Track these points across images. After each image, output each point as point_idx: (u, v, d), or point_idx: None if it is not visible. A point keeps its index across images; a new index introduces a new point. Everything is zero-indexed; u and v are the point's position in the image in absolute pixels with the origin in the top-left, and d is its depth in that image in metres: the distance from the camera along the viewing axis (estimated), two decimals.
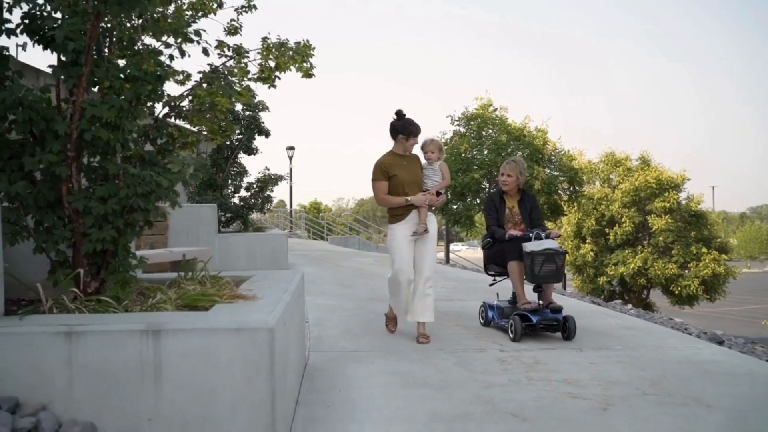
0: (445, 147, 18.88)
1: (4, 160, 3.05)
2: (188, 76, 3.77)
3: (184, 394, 2.36)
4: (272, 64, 3.96)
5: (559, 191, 18.47)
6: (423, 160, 5.16)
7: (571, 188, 18.91)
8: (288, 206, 28.49)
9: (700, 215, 22.40)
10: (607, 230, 22.76)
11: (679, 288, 21.41)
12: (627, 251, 22.13)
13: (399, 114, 5.00)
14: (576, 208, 20.96)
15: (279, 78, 4.13)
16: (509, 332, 4.96)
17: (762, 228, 63.40)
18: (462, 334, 5.27)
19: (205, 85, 3.59)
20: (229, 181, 11.09)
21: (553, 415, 3.26)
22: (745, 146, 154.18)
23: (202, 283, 3.40)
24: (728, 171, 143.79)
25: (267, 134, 11.13)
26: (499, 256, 5.33)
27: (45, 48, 2.97)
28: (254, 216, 12.44)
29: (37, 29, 2.91)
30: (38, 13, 2.93)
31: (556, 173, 18.32)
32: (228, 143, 10.52)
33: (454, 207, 18.81)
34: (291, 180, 24.42)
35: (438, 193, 5.07)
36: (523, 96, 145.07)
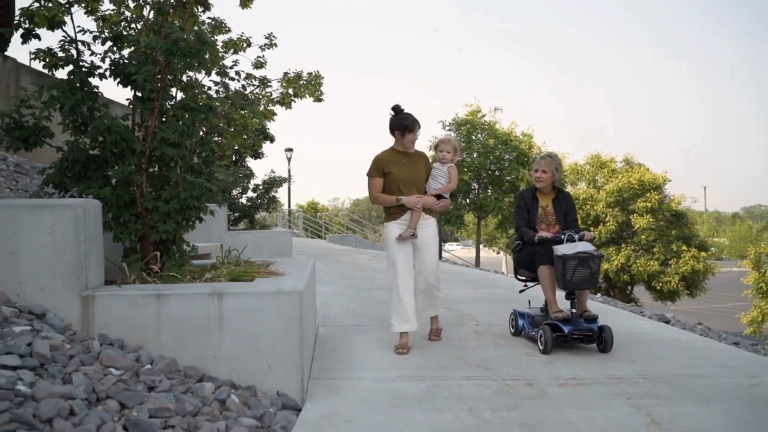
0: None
1: (91, 170, 4.03)
2: (225, 102, 4.74)
3: (239, 338, 3.33)
4: (291, 91, 4.93)
5: None
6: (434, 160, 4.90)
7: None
8: (286, 206, 29.39)
9: (681, 215, 23.47)
10: (592, 229, 23.79)
11: (661, 284, 22.47)
12: (611, 249, 23.17)
13: (396, 109, 4.70)
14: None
15: (294, 102, 5.11)
16: (539, 343, 4.57)
17: (752, 228, 64.56)
18: (445, 314, 6.23)
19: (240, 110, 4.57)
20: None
21: (510, 365, 4.24)
22: (742, 147, 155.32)
23: (237, 265, 4.36)
24: (725, 171, 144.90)
25: (272, 139, 12.06)
26: (528, 260, 4.95)
27: (125, 86, 3.92)
28: (259, 215, 13.39)
29: (120, 73, 3.86)
30: (122, 61, 3.89)
31: None
32: (236, 148, 11.46)
33: None
34: (289, 180, 25.37)
35: (441, 197, 4.78)
36: (523, 95, 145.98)
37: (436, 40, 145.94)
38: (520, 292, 5.38)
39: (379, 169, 4.65)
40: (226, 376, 3.30)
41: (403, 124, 4.63)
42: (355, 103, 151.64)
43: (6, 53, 12.97)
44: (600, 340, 4.59)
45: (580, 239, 4.66)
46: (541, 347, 4.55)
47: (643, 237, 22.67)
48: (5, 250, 3.25)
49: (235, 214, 11.85)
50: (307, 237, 25.49)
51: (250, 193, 12.26)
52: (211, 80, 4.37)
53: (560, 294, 4.75)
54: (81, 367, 2.75)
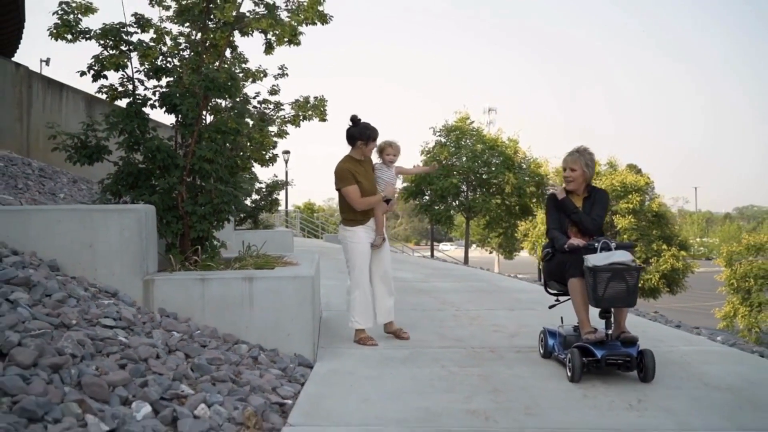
0: (428, 155, 21.03)
1: (141, 181, 5.01)
2: (246, 125, 5.72)
3: (265, 313, 4.31)
4: (301, 114, 5.93)
5: (528, 194, 20.72)
6: (376, 161, 5.15)
7: (539, 191, 21.10)
8: (284, 207, 30.32)
9: (661, 215, 24.59)
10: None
11: (642, 281, 23.58)
12: None
13: (354, 120, 4.95)
14: (543, 208, 23.19)
15: (303, 121, 6.10)
16: (567, 369, 3.97)
17: (742, 228, 65.72)
18: (430, 302, 7.27)
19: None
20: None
21: (479, 339, 5.24)
22: (739, 148, 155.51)
23: (258, 257, 5.34)
24: (722, 172, 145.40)
25: (273, 146, 13.00)
26: (558, 271, 4.39)
27: (170, 114, 4.90)
28: (262, 216, 14.32)
29: (168, 103, 4.84)
30: (168, 93, 4.86)
31: (526, 178, 20.48)
32: (241, 154, 12.41)
33: (436, 208, 20.89)
34: (286, 182, 26.33)
35: (388, 201, 5.04)
36: (523, 96, 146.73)
37: (435, 41, 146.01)
38: (550, 307, 4.74)
39: (354, 177, 4.86)
40: (256, 341, 4.27)
41: (366, 134, 4.87)
42: (349, 105, 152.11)
43: (19, 62, 13.87)
44: (640, 367, 3.91)
45: (620, 247, 4.04)
46: (569, 374, 3.91)
47: (625, 237, 23.75)
48: (85, 244, 4.23)
49: (241, 215, 12.78)
50: (305, 237, 26.45)
51: (254, 196, 13.19)
52: (233, 108, 5.30)
53: (594, 312, 4.15)
54: (153, 329, 3.74)
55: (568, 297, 4.37)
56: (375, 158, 5.14)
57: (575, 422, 3.24)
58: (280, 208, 30.45)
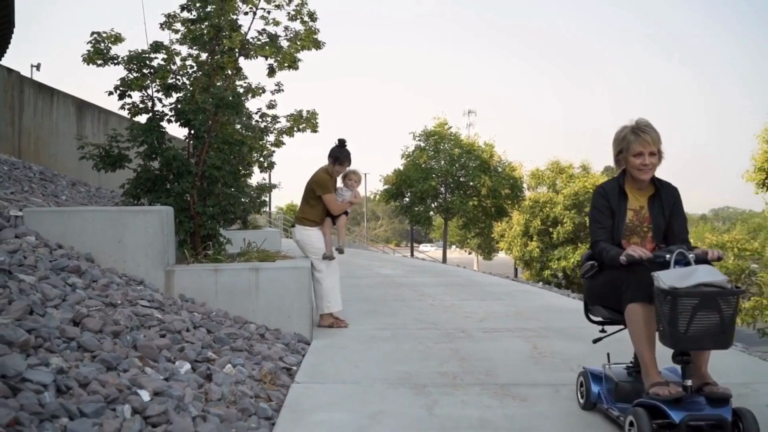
0: (408, 159, 21.93)
1: (157, 185, 5.73)
2: (249, 137, 6.48)
3: (269, 297, 5.06)
4: (295, 126, 6.71)
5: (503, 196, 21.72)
6: (339, 183, 5.91)
7: (513, 193, 22.10)
8: (268, 208, 30.92)
9: None
10: (551, 229, 25.92)
11: None
12: (568, 248, 25.33)
13: (341, 143, 5.75)
14: (517, 209, 24.21)
15: (296, 132, 6.89)
16: None
17: (716, 229, 67.24)
18: (410, 294, 8.08)
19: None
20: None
21: (452, 323, 6.05)
22: (725, 149, 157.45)
23: (259, 252, 6.09)
24: (706, 173, 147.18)
25: (271, 154, 13.71)
26: (609, 293, 3.16)
27: (184, 127, 5.63)
28: (251, 217, 15.04)
29: (182, 118, 5.57)
30: (183, 109, 5.59)
31: (503, 181, 21.45)
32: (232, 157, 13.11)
33: (416, 209, 21.77)
34: (271, 184, 26.97)
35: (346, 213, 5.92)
36: (524, 98, 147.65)
37: (435, 40, 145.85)
38: (595, 342, 3.49)
39: (331, 187, 5.75)
40: (261, 322, 5.02)
41: (339, 159, 5.69)
42: (346, 105, 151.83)
43: (10, 67, 14.37)
44: None
45: (699, 261, 2.83)
46: None
47: None
48: (115, 241, 4.94)
49: (231, 216, 13.46)
50: (288, 237, 27.09)
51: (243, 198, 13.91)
52: (238, 122, 6.06)
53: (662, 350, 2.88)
54: (179, 310, 4.48)
55: (621, 327, 3.18)
56: (339, 181, 5.93)
57: (524, 379, 4.06)
58: (264, 209, 31.11)
